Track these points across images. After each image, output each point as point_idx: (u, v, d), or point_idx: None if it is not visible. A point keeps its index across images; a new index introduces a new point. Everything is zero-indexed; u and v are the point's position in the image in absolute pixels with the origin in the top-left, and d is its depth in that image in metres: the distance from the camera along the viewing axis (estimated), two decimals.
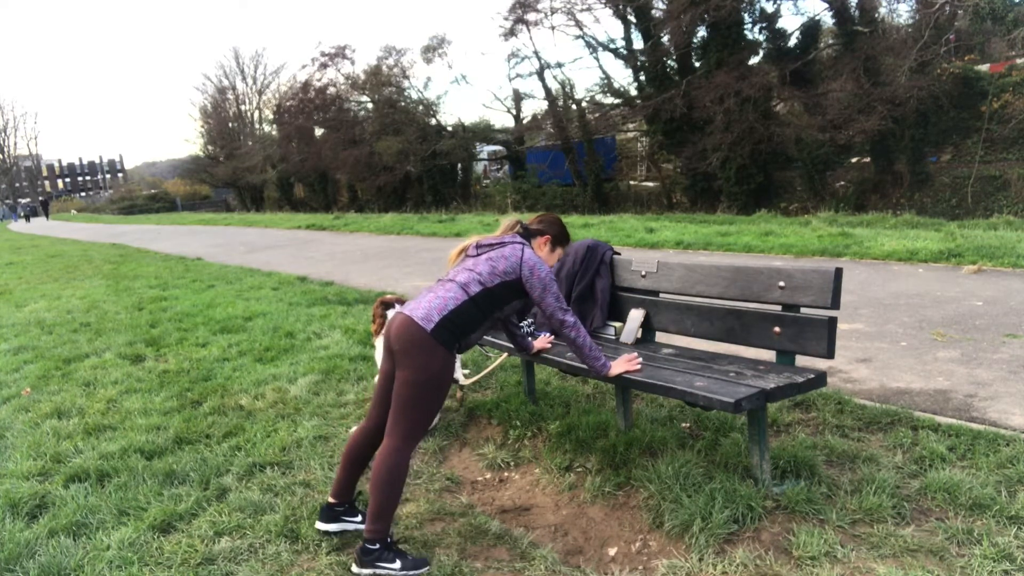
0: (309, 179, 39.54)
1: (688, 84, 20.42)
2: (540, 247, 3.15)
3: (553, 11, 24.76)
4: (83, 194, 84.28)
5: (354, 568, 2.65)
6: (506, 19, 25.44)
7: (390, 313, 4.25)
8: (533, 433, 3.86)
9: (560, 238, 3.22)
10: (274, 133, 42.99)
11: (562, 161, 27.81)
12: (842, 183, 20.44)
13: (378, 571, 2.61)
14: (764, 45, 21.16)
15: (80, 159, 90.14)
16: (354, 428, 4.02)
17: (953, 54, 19.57)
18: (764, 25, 20.87)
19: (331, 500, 2.93)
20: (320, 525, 2.91)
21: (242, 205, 48.85)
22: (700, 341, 3.56)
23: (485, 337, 3.91)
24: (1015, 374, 4.28)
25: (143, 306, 8.51)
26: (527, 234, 3.10)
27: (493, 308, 2.86)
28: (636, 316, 3.71)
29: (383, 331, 2.83)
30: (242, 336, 6.46)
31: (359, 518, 2.91)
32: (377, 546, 2.62)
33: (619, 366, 3.05)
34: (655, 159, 26.19)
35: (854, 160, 20.76)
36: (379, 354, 4.22)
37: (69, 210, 59.38)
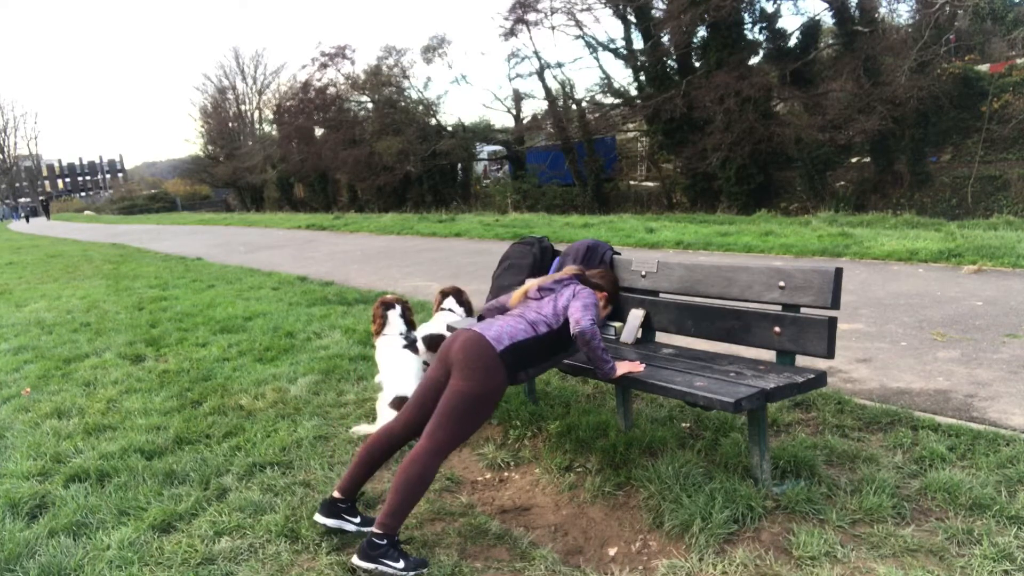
0: (309, 179, 39.55)
1: (688, 84, 20.43)
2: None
3: (553, 11, 24.81)
4: (83, 194, 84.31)
5: (355, 559, 2.64)
6: (506, 19, 25.49)
7: (390, 313, 4.26)
8: (533, 433, 3.86)
9: (615, 297, 3.57)
10: (274, 133, 43.02)
11: (562, 161, 27.82)
12: (842, 183, 20.45)
13: (380, 567, 2.60)
14: (764, 45, 21.18)
15: (80, 159, 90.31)
16: (354, 428, 4.03)
17: (953, 54, 19.58)
18: (764, 25, 20.90)
19: (336, 495, 2.92)
20: (319, 517, 2.89)
21: (242, 205, 48.87)
22: (700, 341, 3.56)
23: None
24: (1015, 374, 4.28)
25: (143, 306, 8.51)
26: (584, 281, 3.24)
27: (556, 351, 3.05)
28: (636, 316, 3.71)
29: (441, 343, 2.99)
30: (242, 336, 6.46)
31: (358, 519, 2.90)
32: (385, 542, 2.61)
33: (623, 367, 3.10)
34: (655, 159, 26.21)
35: (854, 160, 20.77)
36: (379, 354, 4.23)
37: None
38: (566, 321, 3.02)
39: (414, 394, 2.98)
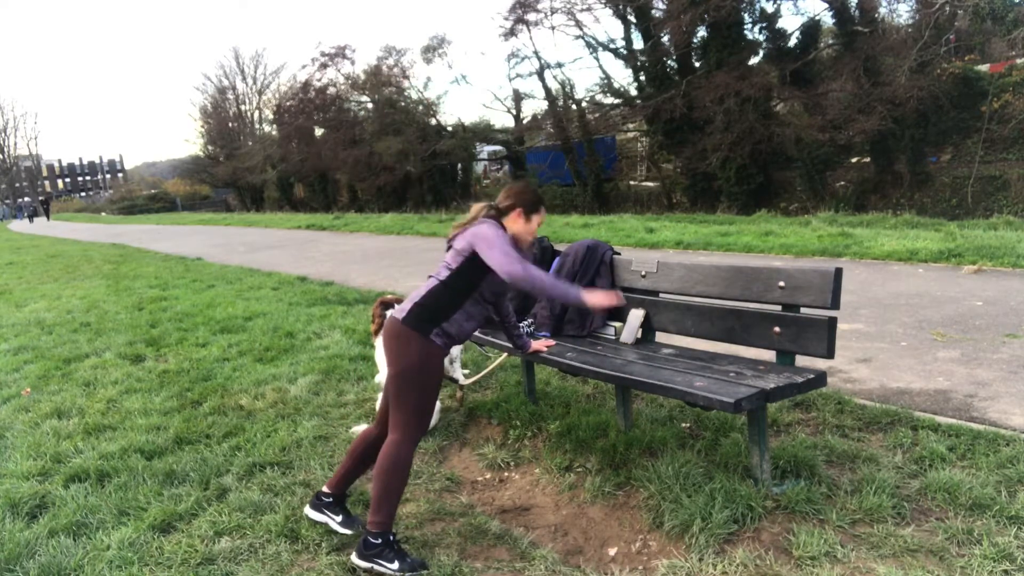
0: (309, 179, 39.51)
1: (688, 84, 20.40)
2: (515, 221, 3.01)
3: (553, 11, 24.73)
4: (83, 194, 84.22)
5: (352, 557, 2.67)
6: (506, 19, 25.41)
7: (390, 313, 4.26)
8: (533, 433, 3.86)
9: (531, 205, 3.04)
10: (274, 133, 42.92)
11: (562, 161, 27.79)
12: (842, 183, 20.43)
13: (375, 567, 2.61)
14: (764, 45, 21.14)
15: (80, 159, 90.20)
16: (354, 428, 4.04)
17: (953, 54, 19.55)
18: (764, 25, 20.86)
19: (324, 489, 2.98)
20: (307, 509, 2.99)
21: (242, 205, 48.80)
22: (700, 341, 3.56)
23: (485, 336, 3.91)
24: (1015, 374, 4.28)
25: (143, 306, 8.51)
26: (498, 213, 3.02)
27: (467, 288, 2.83)
28: (636, 316, 3.71)
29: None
30: (242, 336, 6.46)
31: (339, 518, 2.92)
32: (379, 541, 2.62)
33: (597, 297, 2.90)
34: (655, 159, 26.18)
35: (854, 160, 20.75)
36: (379, 354, 4.23)
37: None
38: (466, 260, 2.82)
39: (384, 391, 2.98)
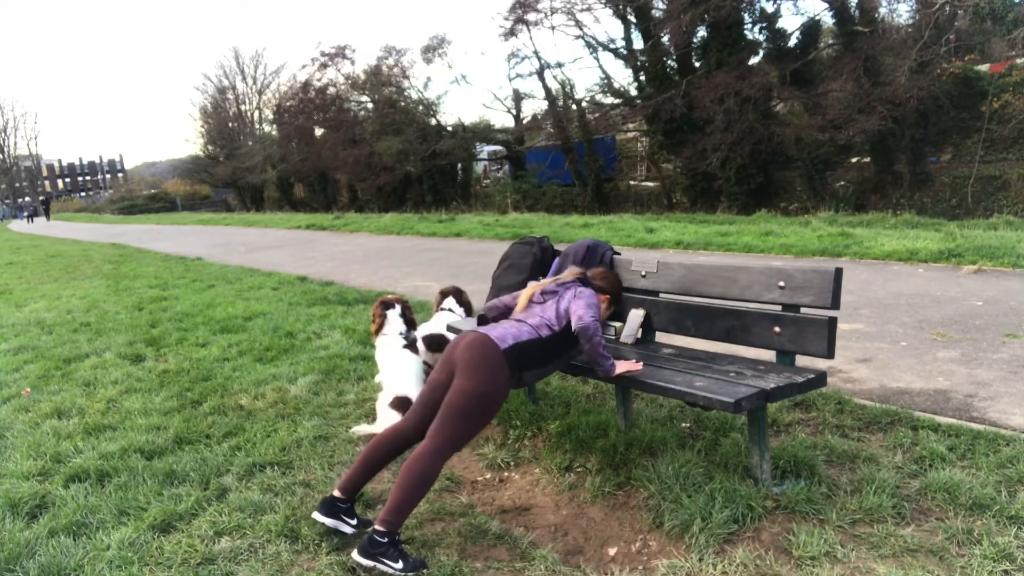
0: (309, 179, 39.54)
1: (688, 84, 20.41)
2: (600, 301, 3.31)
3: (553, 11, 24.78)
4: (83, 194, 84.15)
5: (355, 555, 2.65)
6: (506, 19, 25.46)
7: (390, 313, 4.26)
8: (533, 433, 3.86)
9: (617, 297, 3.63)
10: (274, 133, 42.96)
11: (562, 161, 27.79)
12: (842, 183, 20.43)
13: (379, 566, 2.61)
14: (764, 45, 21.16)
15: (80, 159, 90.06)
16: (355, 428, 4.03)
17: (953, 54, 19.57)
18: (764, 25, 20.88)
19: (336, 494, 2.91)
20: (317, 515, 2.88)
21: (242, 205, 48.82)
22: (700, 341, 3.56)
23: None
24: (1015, 374, 4.28)
25: (143, 306, 8.51)
26: (586, 284, 3.28)
27: (558, 353, 3.08)
28: (636, 316, 3.71)
29: (443, 344, 2.98)
30: (242, 336, 6.46)
31: (355, 522, 2.90)
32: (386, 540, 2.62)
33: (623, 366, 3.14)
34: (655, 159, 26.20)
35: (854, 160, 20.76)
36: (379, 354, 4.23)
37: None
38: (568, 324, 3.06)
39: (420, 396, 3.00)
